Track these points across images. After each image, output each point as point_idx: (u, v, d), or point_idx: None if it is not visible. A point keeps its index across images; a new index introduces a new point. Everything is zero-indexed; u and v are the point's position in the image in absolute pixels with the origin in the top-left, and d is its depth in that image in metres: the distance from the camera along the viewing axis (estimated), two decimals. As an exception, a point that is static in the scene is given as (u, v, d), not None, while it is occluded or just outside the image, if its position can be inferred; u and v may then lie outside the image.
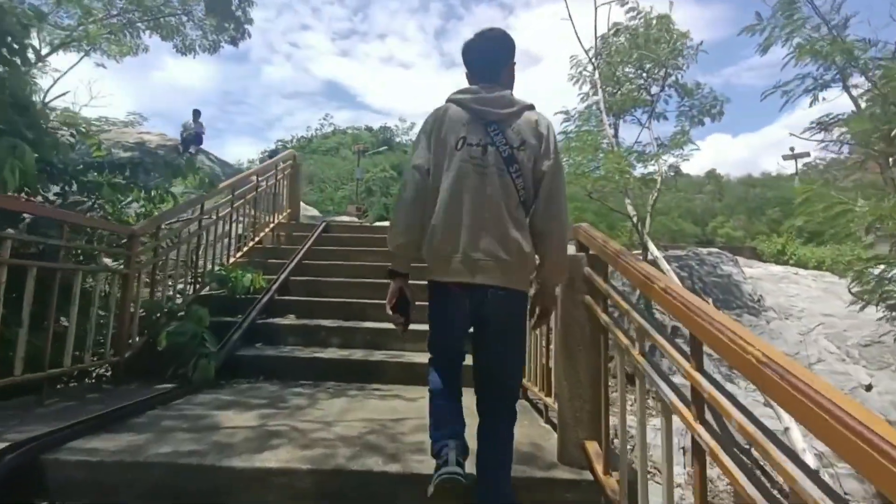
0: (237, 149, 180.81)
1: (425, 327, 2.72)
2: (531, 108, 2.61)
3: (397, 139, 75.24)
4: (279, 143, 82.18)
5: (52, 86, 15.83)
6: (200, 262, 6.89)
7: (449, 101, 2.64)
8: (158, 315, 5.49)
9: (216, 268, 7.01)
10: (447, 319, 2.59)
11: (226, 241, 7.69)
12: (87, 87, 19.88)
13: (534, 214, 2.50)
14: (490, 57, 2.68)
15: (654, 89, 11.45)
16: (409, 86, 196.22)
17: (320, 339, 5.90)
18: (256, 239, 8.77)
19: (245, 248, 8.33)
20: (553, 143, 2.54)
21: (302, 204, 19.90)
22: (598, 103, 10.79)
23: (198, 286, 6.67)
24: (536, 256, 2.54)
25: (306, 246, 8.32)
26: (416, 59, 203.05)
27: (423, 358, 3.44)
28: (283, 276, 7.11)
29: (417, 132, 2.69)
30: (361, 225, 11.42)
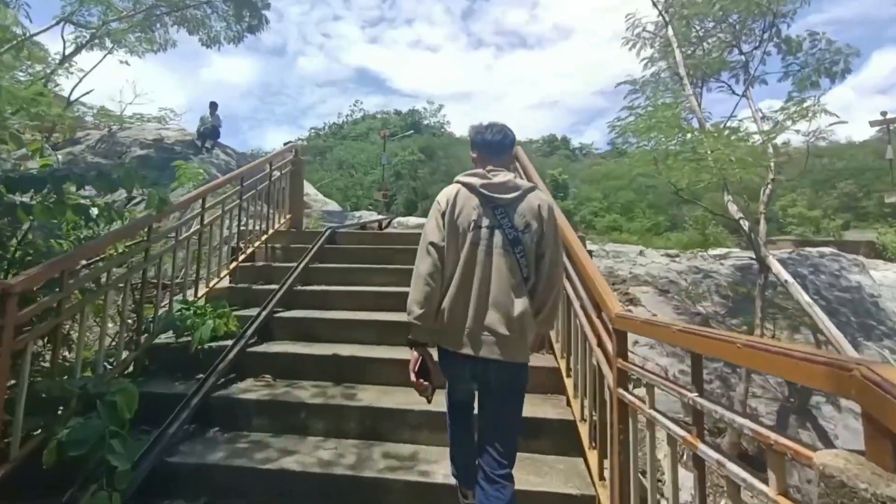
0: (276, 136, 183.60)
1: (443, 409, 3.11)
2: (533, 189, 2.82)
3: (425, 122, 74.67)
4: (312, 131, 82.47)
5: (77, 84, 15.74)
6: (167, 299, 5.14)
7: (459, 183, 2.84)
8: (61, 403, 3.62)
9: (176, 307, 5.09)
10: (455, 380, 2.91)
11: (201, 266, 5.81)
12: (132, 86, 19.56)
13: (534, 288, 2.73)
14: (498, 148, 2.89)
15: (746, 47, 9.03)
16: (436, 68, 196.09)
17: (298, 423, 4.03)
18: (243, 256, 6.85)
19: (224, 273, 6.42)
20: (553, 223, 2.78)
21: (320, 196, 18.24)
22: (677, 66, 8.45)
23: (142, 339, 4.77)
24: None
25: (301, 265, 6.42)
26: (443, 42, 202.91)
27: (444, 468, 3.37)
28: (264, 314, 5.23)
29: (431, 210, 2.86)
30: (376, 232, 9.22)
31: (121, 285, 4.55)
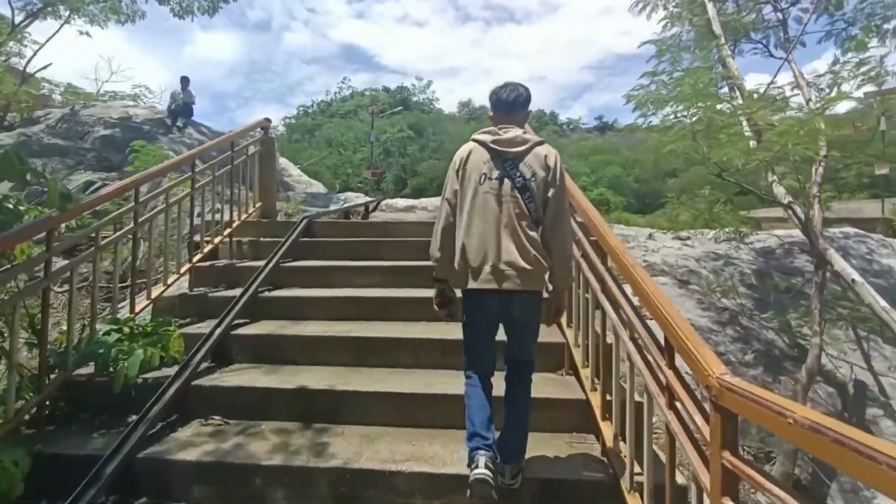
0: (264, 114, 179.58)
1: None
2: (542, 143, 3.02)
3: (414, 98, 73.61)
4: (300, 108, 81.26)
5: (32, 57, 14.60)
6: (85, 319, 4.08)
7: (474, 140, 3.06)
8: None
9: (103, 328, 3.99)
10: (479, 323, 3.00)
11: (140, 271, 4.70)
12: (108, 63, 18.05)
13: (543, 232, 2.91)
14: (512, 106, 3.11)
15: (783, 3, 7.86)
16: (424, 43, 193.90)
17: (252, 492, 2.98)
18: (199, 256, 5.75)
19: (175, 277, 5.24)
20: (559, 172, 2.96)
21: (304, 177, 17.02)
22: (704, 25, 7.29)
23: (50, 377, 3.65)
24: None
25: (269, 265, 5.36)
26: (430, 16, 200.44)
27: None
28: (218, 331, 4.17)
29: (448, 170, 3.09)
30: (359, 222, 8.03)
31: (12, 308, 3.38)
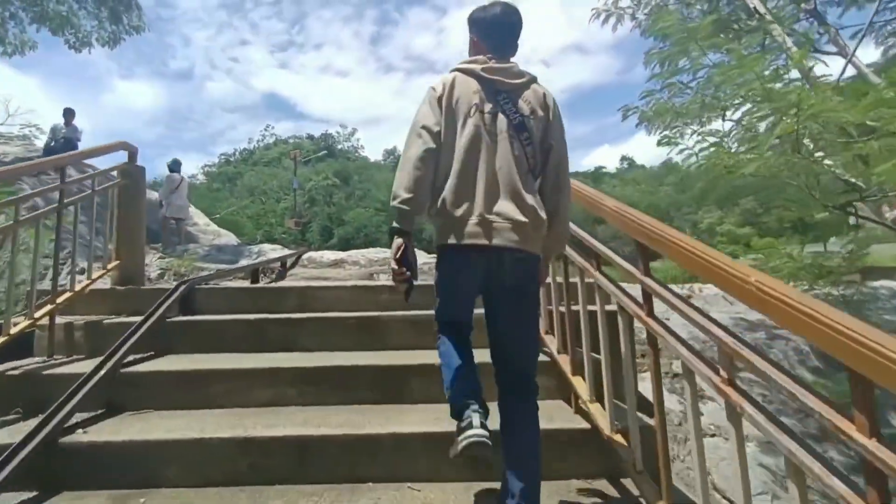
0: (185, 164, 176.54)
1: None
2: (536, 80, 2.47)
3: (339, 146, 72.16)
4: (222, 157, 78.65)
5: None
6: None
7: (457, 70, 2.46)
8: None
9: None
10: (457, 286, 2.39)
11: None
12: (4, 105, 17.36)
13: (543, 186, 2.40)
14: (509, 30, 2.50)
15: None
16: (347, 93, 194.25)
17: None
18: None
19: None
20: (559, 116, 2.46)
21: (212, 227, 14.41)
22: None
23: None
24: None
25: (97, 376, 3.02)
26: (353, 66, 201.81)
27: None
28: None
29: (423, 97, 2.42)
30: (265, 288, 5.43)
31: None
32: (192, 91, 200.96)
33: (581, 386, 2.90)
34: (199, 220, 14.02)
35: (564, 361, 3.13)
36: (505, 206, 2.21)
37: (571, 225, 2.67)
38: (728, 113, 4.95)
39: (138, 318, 3.78)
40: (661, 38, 6.46)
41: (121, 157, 5.06)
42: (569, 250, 2.94)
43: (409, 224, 2.31)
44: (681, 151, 5.32)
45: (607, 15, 8.48)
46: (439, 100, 2.36)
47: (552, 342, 3.32)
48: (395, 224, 2.33)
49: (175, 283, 4.46)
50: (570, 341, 3.09)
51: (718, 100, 4.82)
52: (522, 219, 2.20)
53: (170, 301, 4.07)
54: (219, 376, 3.23)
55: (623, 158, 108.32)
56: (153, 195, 13.39)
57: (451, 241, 2.25)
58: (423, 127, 2.31)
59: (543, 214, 2.28)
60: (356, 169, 61.90)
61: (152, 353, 3.67)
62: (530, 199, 2.25)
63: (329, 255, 10.12)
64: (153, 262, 8.02)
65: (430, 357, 2.91)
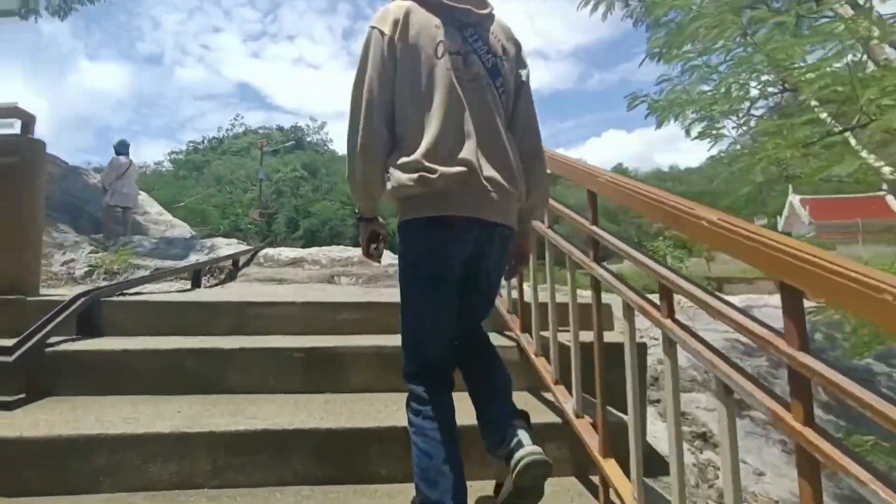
0: (152, 150, 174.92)
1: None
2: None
3: (308, 139, 70.84)
4: (190, 144, 76.90)
5: None
6: None
7: None
8: None
9: None
10: (440, 277, 1.83)
11: None
12: None
13: (514, 135, 1.96)
14: None
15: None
16: (318, 86, 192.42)
17: None
18: None
19: None
20: (524, 53, 2.05)
21: (166, 216, 13.20)
22: None
23: None
24: None
25: None
26: (325, 60, 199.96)
27: None
28: None
29: (367, 39, 1.86)
30: (197, 301, 4.33)
31: None
32: (161, 76, 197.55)
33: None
34: (150, 208, 12.82)
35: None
36: (493, 171, 1.81)
37: (557, 205, 2.48)
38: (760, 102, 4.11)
39: (11, 342, 2.77)
40: (659, 21, 5.65)
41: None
42: (557, 239, 2.63)
43: (372, 208, 2.00)
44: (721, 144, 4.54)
45: (597, 2, 7.70)
46: (390, 42, 1.82)
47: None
48: (357, 212, 2.02)
49: (74, 294, 3.41)
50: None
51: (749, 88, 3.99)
52: (510, 188, 1.83)
53: (58, 320, 3.07)
54: (102, 445, 2.23)
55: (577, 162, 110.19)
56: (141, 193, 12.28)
57: (431, 213, 1.77)
58: (373, 89, 1.81)
59: (522, 178, 1.91)
60: (324, 162, 60.54)
61: (23, 395, 2.68)
62: (515, 163, 1.88)
63: (288, 253, 9.08)
64: (82, 258, 6.91)
65: (400, 410, 2.04)
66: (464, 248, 1.82)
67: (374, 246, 2.07)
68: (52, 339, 3.00)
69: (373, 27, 1.86)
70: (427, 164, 1.72)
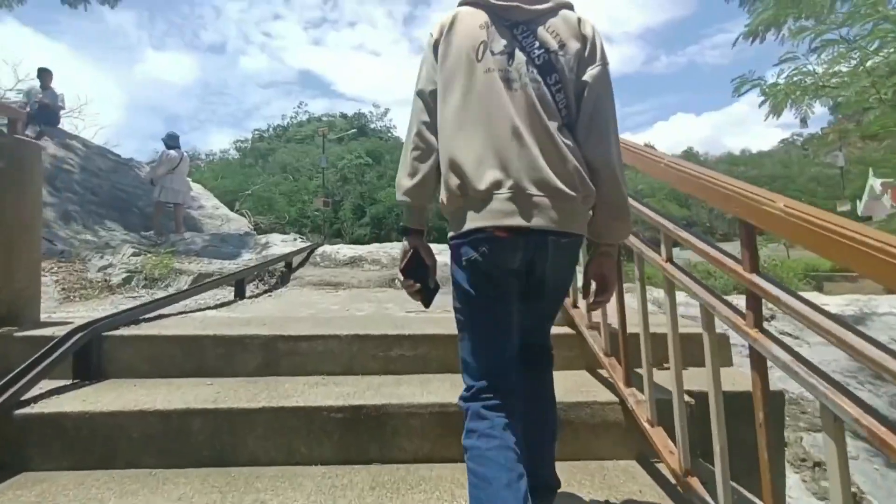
0: (219, 138, 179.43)
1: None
2: (570, 6, 1.83)
3: (371, 125, 70.96)
4: (255, 132, 78.03)
5: None
6: None
7: (461, 4, 1.86)
8: None
9: None
10: (492, 292, 1.67)
11: None
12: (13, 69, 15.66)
13: (577, 139, 1.71)
14: None
15: None
16: (380, 73, 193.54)
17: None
18: None
19: None
20: (601, 46, 1.78)
21: (222, 209, 12.82)
22: None
23: None
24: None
25: None
26: (386, 46, 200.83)
27: None
28: None
29: (424, 50, 1.87)
30: (218, 336, 3.68)
31: None
32: (225, 65, 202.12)
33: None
34: (206, 202, 12.41)
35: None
36: (542, 172, 1.59)
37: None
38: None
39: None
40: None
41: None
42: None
43: (417, 220, 1.82)
44: None
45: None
46: (435, 47, 1.80)
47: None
48: (402, 223, 1.86)
49: (70, 328, 2.78)
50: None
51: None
52: (568, 191, 1.59)
53: (44, 365, 2.46)
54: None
55: (645, 146, 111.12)
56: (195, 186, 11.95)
57: (474, 223, 1.61)
58: (419, 93, 1.79)
59: (589, 180, 1.66)
60: (388, 149, 60.31)
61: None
62: (573, 162, 1.63)
63: (346, 251, 8.45)
64: (118, 262, 6.40)
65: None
66: (510, 260, 1.64)
67: (411, 285, 1.81)
68: (34, 392, 2.38)
69: (429, 34, 1.87)
70: (463, 172, 1.63)
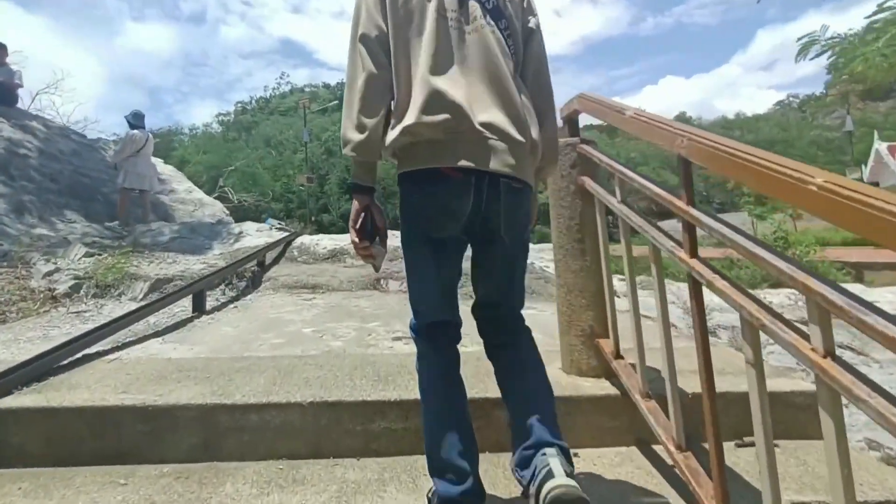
0: (202, 111, 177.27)
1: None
2: None
3: None
4: (238, 105, 76.86)
5: None
6: None
7: None
8: None
9: None
10: (439, 232, 1.68)
11: None
12: None
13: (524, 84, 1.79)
14: None
15: None
16: None
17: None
18: None
19: None
20: None
21: (195, 192, 12.04)
22: None
23: None
24: None
25: None
26: None
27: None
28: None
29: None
30: (136, 406, 2.96)
31: None
32: (205, 35, 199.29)
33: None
34: (178, 185, 11.57)
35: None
36: (497, 117, 1.62)
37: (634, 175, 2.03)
38: None
39: None
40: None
41: None
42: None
43: (368, 176, 1.76)
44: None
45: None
46: None
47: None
48: (350, 180, 1.85)
49: None
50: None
51: None
52: (519, 138, 1.63)
53: None
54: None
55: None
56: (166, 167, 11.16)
57: (428, 164, 1.63)
58: (363, 39, 1.69)
59: (537, 129, 1.72)
60: (375, 119, 59.99)
61: None
62: (525, 110, 1.69)
63: (326, 243, 7.76)
64: (66, 266, 5.65)
65: None
66: (462, 202, 1.63)
67: (365, 247, 1.72)
68: None
69: None
70: (418, 109, 1.59)
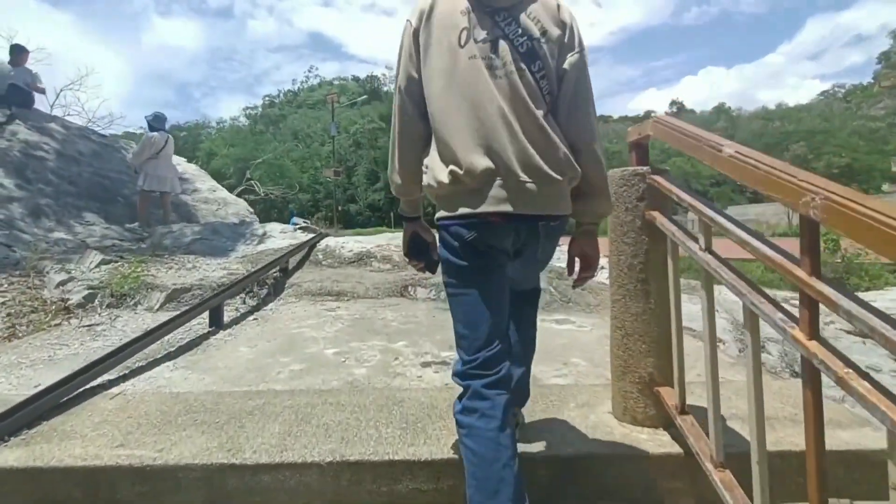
0: (230, 104, 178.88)
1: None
2: None
3: (384, 88, 70.10)
4: (266, 98, 77.22)
5: None
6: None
7: None
8: None
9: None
10: (484, 269, 1.69)
11: None
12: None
13: (559, 123, 1.73)
14: None
15: None
16: (393, 33, 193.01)
17: None
18: None
19: None
20: (578, 33, 1.78)
21: (219, 191, 11.86)
22: None
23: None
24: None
25: None
26: (398, 6, 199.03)
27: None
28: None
29: (400, 39, 1.80)
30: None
31: None
32: (233, 30, 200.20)
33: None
34: (202, 184, 11.39)
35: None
36: (531, 158, 1.60)
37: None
38: None
39: None
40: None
41: None
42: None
43: (411, 208, 1.94)
44: None
45: None
46: (415, 35, 1.73)
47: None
48: (401, 209, 1.98)
49: None
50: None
51: None
52: (554, 175, 1.62)
53: None
54: None
55: (673, 103, 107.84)
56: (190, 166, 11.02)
57: (468, 210, 1.62)
58: (400, 90, 1.77)
59: (575, 165, 1.67)
60: (402, 112, 60.04)
61: None
62: (560, 147, 1.65)
63: (352, 246, 7.47)
64: (80, 275, 5.45)
65: None
66: (503, 241, 1.67)
67: (416, 263, 1.99)
68: None
69: (406, 21, 1.79)
70: (448, 158, 1.64)
